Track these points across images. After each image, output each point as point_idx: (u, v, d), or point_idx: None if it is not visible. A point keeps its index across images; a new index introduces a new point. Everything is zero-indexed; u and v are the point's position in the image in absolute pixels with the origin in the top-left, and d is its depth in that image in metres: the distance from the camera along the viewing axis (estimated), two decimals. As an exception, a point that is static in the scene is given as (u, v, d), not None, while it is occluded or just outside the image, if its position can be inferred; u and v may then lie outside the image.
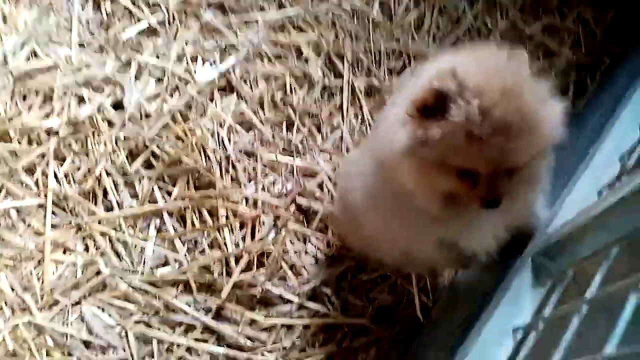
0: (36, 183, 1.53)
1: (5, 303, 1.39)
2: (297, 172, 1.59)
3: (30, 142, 1.58)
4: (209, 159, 1.56)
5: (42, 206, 1.50)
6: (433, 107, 0.80)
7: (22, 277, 1.43)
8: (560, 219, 0.93)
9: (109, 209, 1.52)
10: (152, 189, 1.53)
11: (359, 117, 1.69)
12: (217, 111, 1.62)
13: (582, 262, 0.83)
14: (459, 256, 1.03)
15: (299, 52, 1.76)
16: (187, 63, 1.68)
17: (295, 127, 1.65)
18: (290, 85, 1.69)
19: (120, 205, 1.51)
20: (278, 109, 1.66)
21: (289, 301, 1.44)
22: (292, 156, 1.61)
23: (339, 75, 1.74)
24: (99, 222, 1.49)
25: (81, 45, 1.69)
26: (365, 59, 1.76)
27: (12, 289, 1.40)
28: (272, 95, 1.67)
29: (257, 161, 1.58)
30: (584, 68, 1.77)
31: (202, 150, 1.56)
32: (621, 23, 1.81)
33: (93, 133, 1.58)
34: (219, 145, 1.58)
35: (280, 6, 1.82)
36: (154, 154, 1.56)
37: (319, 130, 1.67)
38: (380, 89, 1.72)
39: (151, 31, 1.72)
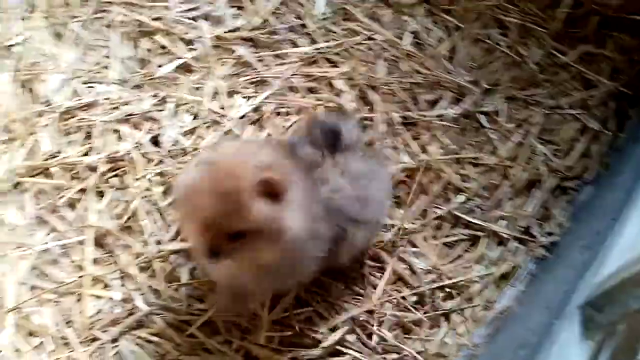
0: (77, 219, 1.56)
1: (49, 337, 1.40)
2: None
3: (72, 178, 1.62)
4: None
5: (82, 242, 1.52)
6: None
7: (63, 312, 1.45)
8: (607, 267, 0.90)
9: (146, 243, 1.53)
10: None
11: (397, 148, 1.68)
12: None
13: (635, 315, 0.80)
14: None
15: (331, 86, 1.77)
16: (222, 98, 1.70)
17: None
18: None
19: (159, 242, 1.53)
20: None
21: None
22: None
23: (372, 107, 1.74)
24: (137, 257, 1.50)
25: (120, 82, 1.73)
26: (399, 90, 1.76)
27: (54, 324, 1.42)
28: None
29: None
30: (625, 98, 1.73)
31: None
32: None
33: (131, 169, 1.61)
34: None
35: (313, 41, 1.84)
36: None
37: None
38: (416, 121, 1.72)
39: (187, 67, 1.76)
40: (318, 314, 1.43)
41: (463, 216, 1.57)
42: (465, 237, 1.56)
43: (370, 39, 1.86)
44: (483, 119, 1.75)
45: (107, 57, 1.78)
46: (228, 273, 1.20)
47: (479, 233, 1.56)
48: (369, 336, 1.41)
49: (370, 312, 1.43)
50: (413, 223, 1.56)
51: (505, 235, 1.54)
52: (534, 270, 1.48)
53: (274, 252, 1.08)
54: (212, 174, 1.03)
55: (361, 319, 1.42)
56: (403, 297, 1.45)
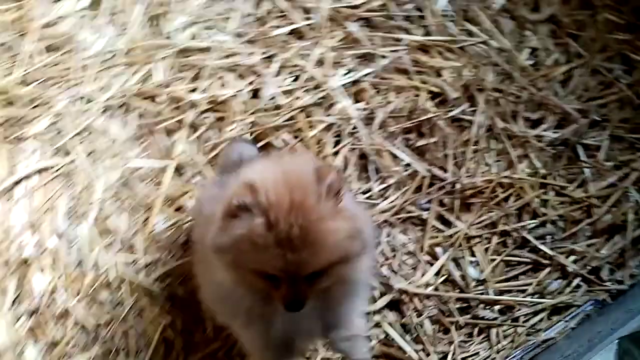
0: (169, 145, 1.69)
1: (119, 239, 1.54)
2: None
3: (173, 109, 1.75)
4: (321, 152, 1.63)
5: (164, 169, 1.64)
6: (235, 215, 0.87)
7: (136, 221, 1.57)
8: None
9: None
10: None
11: (480, 156, 1.66)
12: (343, 109, 1.68)
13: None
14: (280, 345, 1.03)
15: (438, 75, 1.78)
16: (326, 67, 1.76)
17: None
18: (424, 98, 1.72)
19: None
20: (406, 119, 1.70)
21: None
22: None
23: (475, 107, 1.72)
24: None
25: (236, 34, 1.84)
26: (503, 99, 1.73)
27: (125, 229, 1.55)
28: (402, 108, 1.70)
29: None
30: None
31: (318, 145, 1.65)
32: None
33: (227, 114, 1.71)
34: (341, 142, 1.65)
35: (427, 34, 1.85)
36: (272, 143, 1.65)
37: (444, 144, 1.66)
38: (514, 135, 1.68)
39: (299, 33, 1.84)
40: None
41: (533, 240, 1.53)
42: (528, 261, 1.51)
43: (485, 43, 1.84)
44: (581, 151, 1.68)
45: (230, 9, 1.89)
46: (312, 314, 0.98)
47: (544, 261, 1.50)
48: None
49: (415, 295, 1.44)
50: (477, 232, 1.53)
51: (571, 270, 1.48)
52: (590, 311, 1.41)
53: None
54: (270, 216, 0.85)
55: (404, 298, 1.43)
56: (448, 299, 1.43)
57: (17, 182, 1.62)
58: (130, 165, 1.65)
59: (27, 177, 1.63)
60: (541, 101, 1.74)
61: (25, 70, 1.77)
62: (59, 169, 1.64)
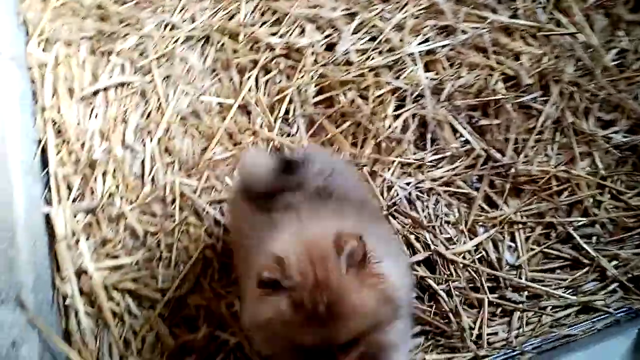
0: (240, 83, 1.76)
1: (178, 160, 1.64)
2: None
3: (250, 49, 1.81)
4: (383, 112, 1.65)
5: (230, 106, 1.72)
6: (267, 289, 0.87)
7: (197, 148, 1.66)
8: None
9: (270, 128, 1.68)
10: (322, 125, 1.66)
11: (542, 146, 1.64)
12: (413, 75, 1.69)
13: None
14: None
15: (516, 59, 1.75)
16: (404, 32, 1.77)
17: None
18: (496, 79, 1.70)
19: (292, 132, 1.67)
20: (474, 96, 1.68)
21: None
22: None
23: (548, 96, 1.70)
24: (269, 130, 1.66)
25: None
26: (578, 94, 1.69)
27: (187, 152, 1.65)
28: (472, 84, 1.70)
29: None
30: None
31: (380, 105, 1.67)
32: None
33: (299, 62, 1.76)
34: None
35: (514, 16, 1.82)
36: (335, 98, 1.69)
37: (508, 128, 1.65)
38: (582, 132, 1.64)
39: (384, -5, 1.85)
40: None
41: (577, 238, 1.50)
42: (568, 257, 1.49)
43: (573, 35, 1.79)
44: (649, 159, 1.62)
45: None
46: None
47: (584, 260, 1.48)
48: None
49: (451, 262, 1.45)
50: (522, 219, 1.53)
51: (610, 275, 1.45)
52: (620, 318, 1.39)
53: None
54: (295, 295, 0.86)
55: (439, 260, 1.46)
56: (480, 273, 1.44)
57: (97, 92, 1.74)
58: (200, 97, 1.73)
59: (107, 88, 1.75)
60: (618, 103, 1.69)
61: (122, -10, 1.89)
62: (136, 86, 1.75)
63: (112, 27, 1.86)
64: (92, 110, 1.71)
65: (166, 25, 1.87)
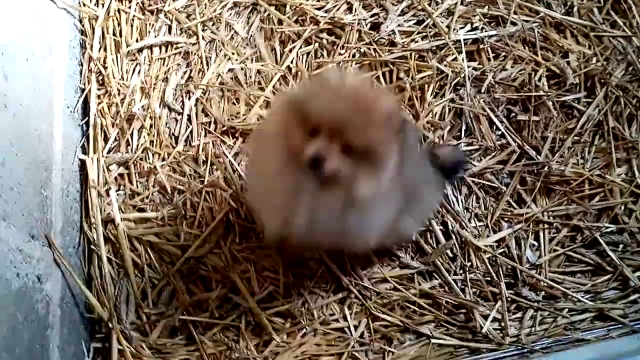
0: (281, 53, 1.77)
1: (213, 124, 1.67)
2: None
3: (296, 22, 1.82)
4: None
5: (267, 76, 1.73)
6: None
7: (234, 113, 1.68)
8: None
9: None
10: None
11: (579, 148, 1.60)
12: (456, 62, 1.68)
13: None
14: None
15: (564, 57, 1.72)
16: (453, 18, 1.74)
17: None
18: (541, 75, 1.68)
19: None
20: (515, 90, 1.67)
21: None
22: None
23: (589, 97, 1.67)
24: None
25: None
26: (624, 99, 1.64)
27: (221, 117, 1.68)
28: (515, 78, 1.67)
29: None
30: None
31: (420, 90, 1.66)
32: None
33: (343, 39, 1.75)
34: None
35: (568, 13, 1.77)
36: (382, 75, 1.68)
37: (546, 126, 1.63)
38: (622, 136, 1.60)
39: (438, -21, 1.82)
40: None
41: (603, 244, 1.47)
42: (591, 262, 1.47)
43: (627, 38, 1.73)
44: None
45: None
46: (310, 209, 1.07)
47: (607, 267, 1.45)
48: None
49: (475, 249, 1.46)
50: (549, 219, 1.50)
51: (632, 285, 1.42)
52: (638, 329, 1.36)
53: (371, 183, 1.01)
54: (350, 87, 1.01)
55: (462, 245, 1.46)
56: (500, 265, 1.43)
57: (142, 49, 1.77)
58: (242, 63, 1.75)
59: (152, 46, 1.78)
60: (662, 110, 1.64)
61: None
62: (180, 47, 1.78)
63: (163, -15, 1.89)
64: (136, 66, 1.75)
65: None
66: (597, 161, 1.59)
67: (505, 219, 1.51)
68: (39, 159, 1.33)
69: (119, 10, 1.84)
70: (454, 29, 1.72)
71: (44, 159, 1.35)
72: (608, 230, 1.49)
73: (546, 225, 1.50)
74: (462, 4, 1.77)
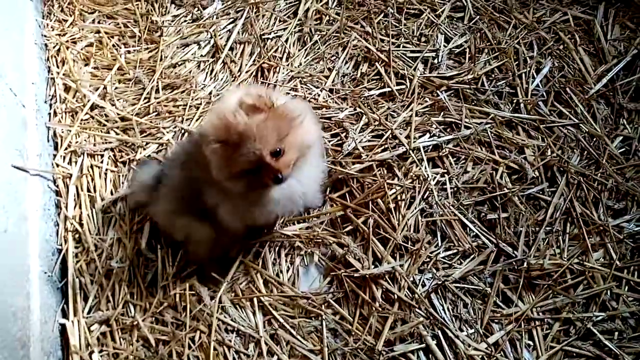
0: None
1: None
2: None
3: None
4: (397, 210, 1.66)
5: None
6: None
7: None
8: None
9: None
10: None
11: (554, 238, 1.62)
12: (420, 171, 1.74)
13: None
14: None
15: (521, 152, 1.79)
16: (410, 129, 1.82)
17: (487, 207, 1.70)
18: (502, 172, 1.74)
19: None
20: (480, 190, 1.71)
21: None
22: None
23: (552, 187, 1.72)
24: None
25: (330, 90, 1.96)
26: (586, 184, 1.70)
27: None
28: (478, 179, 1.73)
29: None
30: None
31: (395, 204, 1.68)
32: None
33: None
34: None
35: (515, 111, 1.87)
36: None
37: (517, 221, 1.66)
38: (592, 222, 1.64)
39: (390, 95, 1.93)
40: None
41: (598, 334, 1.46)
42: (590, 355, 1.44)
43: (576, 126, 1.83)
44: (664, 249, 1.59)
45: (329, 69, 2.03)
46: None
47: (607, 358, 1.42)
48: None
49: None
50: (539, 315, 1.49)
51: (636, 373, 1.39)
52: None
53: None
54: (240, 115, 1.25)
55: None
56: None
57: (116, 200, 1.81)
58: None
59: (125, 197, 1.82)
60: (627, 191, 1.69)
61: (146, 102, 2.01)
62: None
63: (133, 138, 1.97)
64: (112, 219, 1.77)
65: (184, 133, 1.97)
66: (573, 249, 1.60)
67: (496, 321, 1.50)
68: (14, 337, 1.31)
69: (91, 166, 1.90)
70: (413, 138, 1.80)
71: (19, 336, 1.33)
72: (599, 318, 1.48)
73: (537, 322, 1.48)
74: (417, 115, 1.86)
